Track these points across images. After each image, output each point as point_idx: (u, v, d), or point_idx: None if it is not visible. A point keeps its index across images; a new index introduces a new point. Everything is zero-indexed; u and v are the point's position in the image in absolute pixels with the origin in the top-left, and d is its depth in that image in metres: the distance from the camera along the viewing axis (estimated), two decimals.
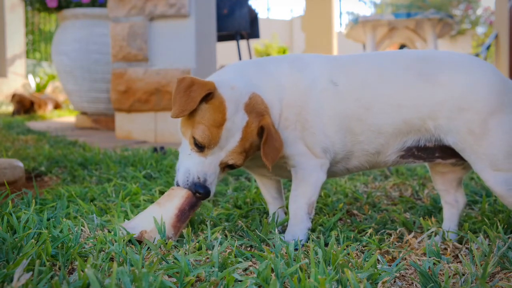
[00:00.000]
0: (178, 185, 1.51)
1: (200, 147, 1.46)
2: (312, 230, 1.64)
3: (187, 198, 1.47)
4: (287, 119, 1.56)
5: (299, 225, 1.58)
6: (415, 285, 1.22)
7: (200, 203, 1.52)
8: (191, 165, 1.48)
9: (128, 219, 1.64)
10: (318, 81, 1.57)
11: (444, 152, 1.56)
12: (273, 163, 1.48)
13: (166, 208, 1.48)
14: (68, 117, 8.16)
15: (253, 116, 1.48)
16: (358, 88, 1.55)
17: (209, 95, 1.46)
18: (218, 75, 1.62)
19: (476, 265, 1.31)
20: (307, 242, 1.52)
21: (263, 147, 1.46)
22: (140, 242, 1.44)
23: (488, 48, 7.67)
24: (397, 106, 1.51)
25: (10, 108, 8.31)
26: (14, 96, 8.07)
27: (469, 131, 1.45)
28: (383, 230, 1.68)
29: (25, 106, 7.98)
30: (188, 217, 1.48)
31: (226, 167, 1.52)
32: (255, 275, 1.19)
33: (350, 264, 1.29)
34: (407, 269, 1.33)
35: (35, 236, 1.39)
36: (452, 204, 1.72)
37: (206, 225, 1.57)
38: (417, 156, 1.58)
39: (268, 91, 1.55)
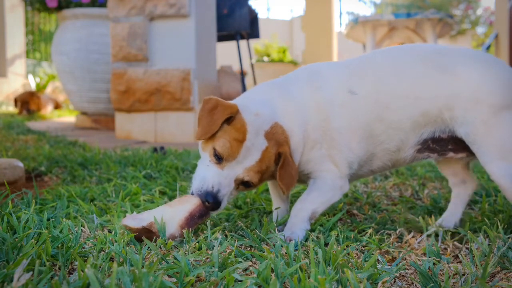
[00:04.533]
0: (192, 194, 1.52)
1: (219, 158, 1.50)
2: (312, 230, 1.64)
3: (198, 205, 1.49)
4: (313, 140, 1.60)
5: (299, 224, 1.59)
6: (415, 285, 1.22)
7: (209, 215, 1.53)
8: (207, 175, 1.51)
9: None
10: (338, 96, 1.60)
11: (456, 144, 1.60)
12: (289, 189, 1.53)
13: (176, 209, 1.49)
14: (68, 117, 8.16)
15: (273, 143, 1.52)
16: (376, 89, 1.58)
17: (231, 118, 1.50)
18: (246, 97, 1.63)
19: (476, 265, 1.31)
20: (306, 241, 1.52)
21: (279, 171, 1.51)
22: (147, 232, 1.44)
23: (488, 48, 7.67)
24: (415, 98, 1.55)
25: (11, 108, 8.30)
26: (19, 96, 8.06)
27: (482, 122, 1.49)
28: (383, 230, 1.68)
29: (29, 103, 7.95)
30: (196, 224, 1.48)
31: (240, 184, 1.54)
32: (255, 275, 1.19)
33: (350, 264, 1.29)
34: (407, 269, 1.33)
35: (35, 236, 1.39)
36: (457, 184, 1.75)
37: (206, 225, 1.57)
38: (432, 149, 1.62)
39: (293, 119, 1.58)
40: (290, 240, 1.50)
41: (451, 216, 1.75)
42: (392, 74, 1.58)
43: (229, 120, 1.50)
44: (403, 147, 1.62)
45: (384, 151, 1.63)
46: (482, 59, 1.56)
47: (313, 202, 1.62)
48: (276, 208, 1.82)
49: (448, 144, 1.60)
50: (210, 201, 1.48)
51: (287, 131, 1.56)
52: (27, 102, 7.92)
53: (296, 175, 1.55)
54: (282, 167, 1.52)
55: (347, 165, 1.63)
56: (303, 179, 1.71)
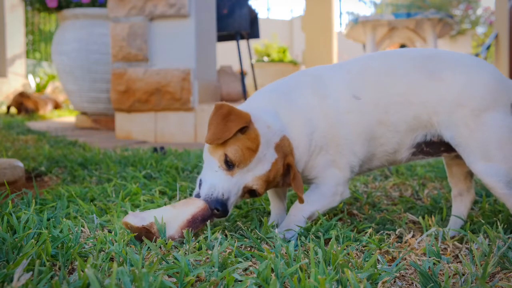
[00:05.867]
0: (196, 197, 1.52)
1: (229, 165, 1.50)
2: (311, 230, 1.65)
3: (202, 209, 1.48)
4: (319, 146, 1.63)
5: (296, 222, 1.62)
6: (415, 285, 1.22)
7: (212, 219, 1.52)
8: (217, 181, 1.50)
9: None
10: (344, 102, 1.63)
11: (447, 146, 1.64)
12: (303, 194, 1.57)
13: (180, 211, 1.48)
14: (68, 117, 8.16)
15: (281, 156, 1.55)
16: (375, 93, 1.63)
17: (245, 128, 1.50)
18: (253, 107, 1.62)
19: (476, 265, 1.31)
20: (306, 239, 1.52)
21: (293, 182, 1.56)
22: (147, 232, 1.44)
23: (488, 48, 7.66)
24: (409, 103, 1.60)
25: (12, 109, 8.31)
26: (11, 101, 8.07)
27: (465, 125, 1.54)
28: (383, 230, 1.68)
29: (24, 104, 7.94)
30: (197, 227, 1.47)
31: (247, 192, 1.55)
32: (255, 275, 1.19)
33: (350, 264, 1.29)
34: (407, 269, 1.33)
35: (35, 236, 1.39)
36: (455, 196, 1.82)
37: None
38: (426, 152, 1.67)
39: (300, 131, 1.61)
40: (286, 236, 1.54)
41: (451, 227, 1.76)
42: (388, 80, 1.63)
43: (242, 130, 1.50)
44: (399, 149, 1.67)
45: (383, 152, 1.68)
46: (466, 64, 1.60)
47: (313, 204, 1.64)
48: (273, 209, 1.83)
49: (440, 147, 1.66)
50: (220, 209, 1.47)
51: (293, 143, 1.59)
52: (22, 103, 7.91)
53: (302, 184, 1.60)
54: (294, 178, 1.55)
55: (349, 170, 1.67)
56: (306, 182, 1.74)
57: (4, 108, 9.32)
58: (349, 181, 1.71)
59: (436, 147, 1.66)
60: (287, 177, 1.59)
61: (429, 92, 1.58)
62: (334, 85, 1.65)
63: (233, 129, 1.47)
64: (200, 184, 1.54)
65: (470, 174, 1.80)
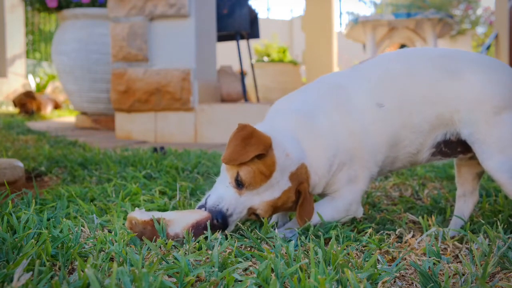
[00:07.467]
0: (201, 208, 1.54)
1: (239, 184, 1.51)
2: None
3: (206, 217, 1.49)
4: (342, 163, 1.63)
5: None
6: (415, 285, 1.22)
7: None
8: (226, 195, 1.52)
9: None
10: (367, 114, 1.63)
11: (463, 146, 1.67)
12: (305, 222, 1.57)
13: (185, 216, 1.50)
14: (68, 117, 8.15)
15: (295, 184, 1.55)
16: (398, 97, 1.63)
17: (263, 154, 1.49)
18: (274, 129, 1.59)
19: (476, 265, 1.31)
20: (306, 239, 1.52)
21: (298, 209, 1.55)
22: (153, 225, 1.44)
23: (488, 48, 7.66)
24: (432, 103, 1.62)
25: (11, 108, 8.29)
26: (15, 98, 8.04)
27: (485, 122, 1.57)
28: (383, 230, 1.68)
29: (27, 104, 7.91)
30: (198, 235, 1.48)
31: (252, 214, 1.56)
32: (255, 275, 1.19)
33: (350, 264, 1.29)
34: (407, 269, 1.33)
35: (35, 236, 1.39)
36: (459, 197, 1.83)
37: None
38: (443, 153, 1.69)
39: (321, 155, 1.60)
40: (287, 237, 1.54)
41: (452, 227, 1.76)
42: (409, 82, 1.64)
43: (260, 155, 1.49)
44: (421, 149, 1.68)
45: (406, 154, 1.69)
46: (486, 63, 1.63)
47: (323, 215, 1.64)
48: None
49: (457, 147, 1.67)
50: (220, 221, 1.49)
51: (312, 169, 1.58)
52: (25, 104, 7.89)
53: (313, 210, 1.59)
54: (301, 205, 1.55)
55: (369, 180, 1.68)
56: (323, 196, 1.74)
57: (4, 108, 9.32)
58: (368, 187, 1.71)
59: (453, 147, 1.67)
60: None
61: (450, 91, 1.60)
62: (356, 97, 1.65)
63: (251, 154, 1.47)
64: (208, 196, 1.56)
65: (478, 176, 1.81)
